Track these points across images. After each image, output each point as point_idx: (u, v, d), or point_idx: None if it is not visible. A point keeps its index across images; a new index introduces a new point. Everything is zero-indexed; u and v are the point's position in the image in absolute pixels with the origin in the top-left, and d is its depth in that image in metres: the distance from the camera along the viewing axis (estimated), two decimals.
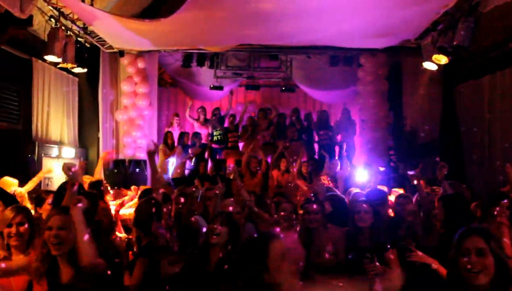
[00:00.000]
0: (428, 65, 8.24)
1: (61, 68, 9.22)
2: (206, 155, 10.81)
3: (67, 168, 3.73)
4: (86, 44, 9.50)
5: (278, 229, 4.36)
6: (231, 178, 5.55)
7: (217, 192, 4.85)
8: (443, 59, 7.84)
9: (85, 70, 9.08)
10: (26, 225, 3.28)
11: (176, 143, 10.56)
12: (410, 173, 5.33)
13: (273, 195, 5.73)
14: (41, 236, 2.99)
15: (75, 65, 8.57)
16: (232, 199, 4.67)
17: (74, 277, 2.92)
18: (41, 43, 8.36)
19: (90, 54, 9.45)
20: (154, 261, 3.84)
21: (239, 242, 3.84)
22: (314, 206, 4.43)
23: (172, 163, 9.60)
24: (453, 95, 10.05)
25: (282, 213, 4.43)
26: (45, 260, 2.95)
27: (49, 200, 4.95)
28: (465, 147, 9.70)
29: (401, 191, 6.52)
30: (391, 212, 5.34)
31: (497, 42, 8.57)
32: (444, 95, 10.16)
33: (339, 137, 10.98)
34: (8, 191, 5.63)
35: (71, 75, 9.98)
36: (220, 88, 11.23)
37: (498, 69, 8.71)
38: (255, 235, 3.97)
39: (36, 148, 8.53)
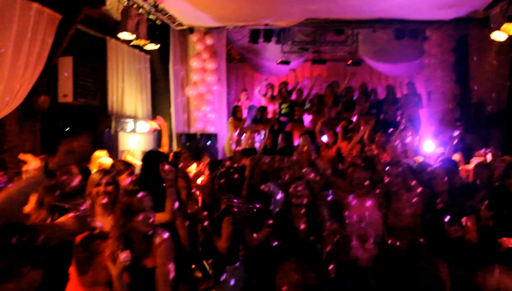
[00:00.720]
0: (497, 36, 7.60)
1: (134, 46, 9.27)
2: (274, 128, 10.63)
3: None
4: (157, 22, 9.46)
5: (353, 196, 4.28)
6: (304, 149, 5.48)
7: (294, 158, 4.90)
8: None
9: (157, 46, 9.03)
10: (113, 186, 3.27)
11: (244, 117, 10.48)
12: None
13: (348, 165, 5.53)
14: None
15: (148, 42, 8.52)
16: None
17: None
18: (114, 22, 8.26)
19: (160, 32, 9.36)
20: (239, 222, 3.84)
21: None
22: (399, 169, 4.40)
23: (243, 135, 9.53)
24: None
25: (356, 181, 4.33)
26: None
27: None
28: None
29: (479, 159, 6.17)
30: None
31: None
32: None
33: (405, 110, 10.47)
34: (97, 162, 5.70)
35: (143, 53, 9.98)
36: (287, 63, 10.92)
37: None
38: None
39: (113, 123, 8.56)
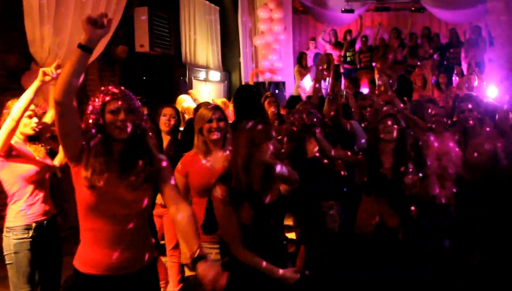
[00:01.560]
0: None
1: None
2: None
3: None
4: None
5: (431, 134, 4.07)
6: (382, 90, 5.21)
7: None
8: None
9: None
10: (224, 122, 3.07)
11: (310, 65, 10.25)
12: None
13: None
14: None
15: None
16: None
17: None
18: None
19: None
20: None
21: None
22: (469, 105, 4.07)
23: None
24: None
25: (433, 118, 4.04)
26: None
27: None
28: None
29: None
30: None
31: None
32: None
33: (469, 54, 9.79)
34: (181, 106, 5.66)
35: (213, 5, 9.93)
36: (351, 11, 10.42)
37: None
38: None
39: (187, 71, 8.57)
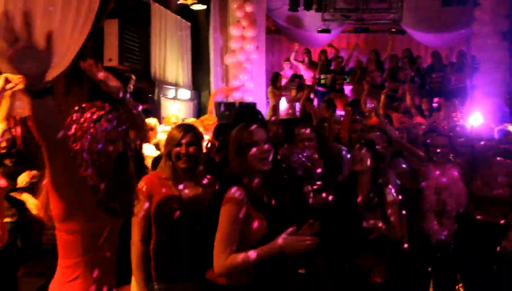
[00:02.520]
0: None
1: (177, 13, 8.82)
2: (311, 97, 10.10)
3: None
4: None
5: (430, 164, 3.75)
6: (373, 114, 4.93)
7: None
8: None
9: (204, 7, 8.53)
10: (196, 147, 2.64)
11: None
12: None
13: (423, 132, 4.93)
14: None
15: (195, 1, 8.05)
16: (377, 133, 3.95)
17: None
18: None
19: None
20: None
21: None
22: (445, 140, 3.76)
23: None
24: None
25: (438, 149, 3.68)
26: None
27: None
28: None
29: None
30: None
31: None
32: None
33: (453, 79, 9.78)
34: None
35: (184, 20, 9.52)
36: (327, 31, 10.27)
37: None
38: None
39: (156, 88, 8.17)
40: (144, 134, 2.34)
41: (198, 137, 2.70)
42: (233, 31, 10.00)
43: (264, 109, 10.32)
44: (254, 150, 2.26)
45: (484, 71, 9.12)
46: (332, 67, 10.40)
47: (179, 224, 2.59)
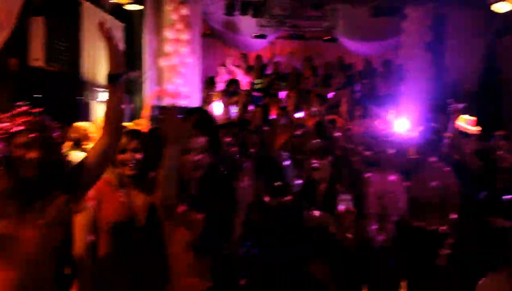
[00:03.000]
0: (498, 7, 7.32)
1: (110, 13, 8.46)
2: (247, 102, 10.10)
3: None
4: None
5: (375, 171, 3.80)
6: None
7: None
8: None
9: (141, 7, 8.25)
10: (142, 153, 2.58)
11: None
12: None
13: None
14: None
15: (131, 1, 7.75)
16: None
17: None
18: None
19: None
20: None
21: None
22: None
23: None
24: (495, 48, 9.19)
25: (381, 155, 3.81)
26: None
27: None
28: (504, 100, 8.97)
29: None
30: None
31: None
32: (487, 48, 9.29)
33: (381, 87, 10.17)
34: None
35: (117, 21, 9.14)
36: (263, 36, 10.34)
37: None
38: None
39: (85, 91, 7.74)
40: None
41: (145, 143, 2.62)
42: (168, 33, 9.77)
43: None
44: (187, 157, 2.35)
45: (410, 80, 9.56)
46: (268, 72, 10.45)
47: (126, 233, 2.49)
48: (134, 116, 9.04)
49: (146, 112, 7.47)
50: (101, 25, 2.20)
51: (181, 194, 2.34)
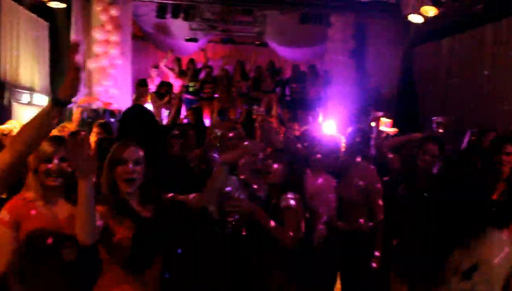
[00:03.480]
0: (414, 18, 7.80)
1: (33, 10, 8.14)
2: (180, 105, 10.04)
3: None
4: None
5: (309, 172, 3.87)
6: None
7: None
8: (431, 11, 7.41)
9: (63, 6, 7.97)
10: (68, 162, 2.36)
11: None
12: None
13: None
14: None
15: None
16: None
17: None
18: None
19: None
20: None
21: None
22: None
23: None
24: (411, 56, 9.70)
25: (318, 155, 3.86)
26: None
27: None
28: (420, 106, 9.44)
29: None
30: None
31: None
32: (404, 56, 9.76)
33: (311, 91, 10.48)
34: None
35: (42, 20, 8.80)
36: (195, 40, 10.37)
37: (458, 32, 8.25)
38: None
39: (6, 93, 7.43)
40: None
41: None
42: (97, 35, 9.53)
43: None
44: (119, 168, 2.25)
45: (335, 85, 9.95)
46: (201, 76, 10.46)
47: (55, 250, 2.32)
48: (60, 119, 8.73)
49: (75, 115, 7.19)
50: (74, 48, 2.03)
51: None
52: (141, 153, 2.33)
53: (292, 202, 3.01)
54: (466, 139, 4.62)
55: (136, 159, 2.28)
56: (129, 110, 3.61)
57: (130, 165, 2.26)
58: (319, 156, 3.94)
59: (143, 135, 2.88)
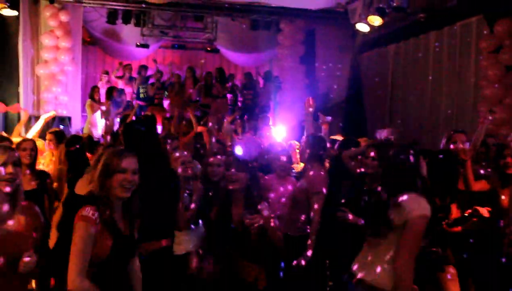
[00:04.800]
0: (361, 27, 8.03)
1: None
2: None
3: None
4: None
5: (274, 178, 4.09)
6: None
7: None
8: (376, 21, 7.64)
9: (15, 13, 7.78)
10: (19, 168, 2.34)
11: (103, 99, 9.63)
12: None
13: None
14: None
15: (6, 6, 7.28)
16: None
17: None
18: None
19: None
20: None
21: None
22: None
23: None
24: (358, 62, 10.03)
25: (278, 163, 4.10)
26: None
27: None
28: (367, 111, 9.77)
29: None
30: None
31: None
32: (352, 62, 10.10)
33: (260, 98, 10.71)
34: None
35: None
36: (146, 46, 10.30)
37: (403, 39, 8.60)
38: None
39: None
40: None
41: (18, 157, 2.41)
42: (46, 40, 9.31)
43: (79, 123, 9.84)
44: (119, 176, 2.32)
45: (285, 90, 10.19)
46: (150, 81, 10.46)
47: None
48: (7, 127, 8.44)
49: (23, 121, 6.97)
50: None
51: None
52: (137, 164, 2.43)
53: (266, 212, 3.26)
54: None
55: (134, 169, 2.39)
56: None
57: (130, 174, 2.35)
58: (280, 161, 4.13)
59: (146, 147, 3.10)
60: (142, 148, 2.99)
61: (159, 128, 9.09)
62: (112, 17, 9.81)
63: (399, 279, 2.41)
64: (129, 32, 10.49)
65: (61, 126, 9.13)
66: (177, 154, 3.66)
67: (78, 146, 4.53)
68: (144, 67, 10.76)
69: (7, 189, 2.28)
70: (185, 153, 3.75)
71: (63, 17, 9.30)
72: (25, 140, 4.21)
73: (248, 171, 3.45)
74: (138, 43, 10.30)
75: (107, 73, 11.01)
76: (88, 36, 11.39)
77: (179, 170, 3.47)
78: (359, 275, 2.58)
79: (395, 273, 2.42)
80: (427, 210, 2.47)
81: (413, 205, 2.45)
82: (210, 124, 8.18)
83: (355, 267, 2.66)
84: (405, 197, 2.47)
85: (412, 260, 2.41)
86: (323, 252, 3.88)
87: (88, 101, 9.42)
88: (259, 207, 3.29)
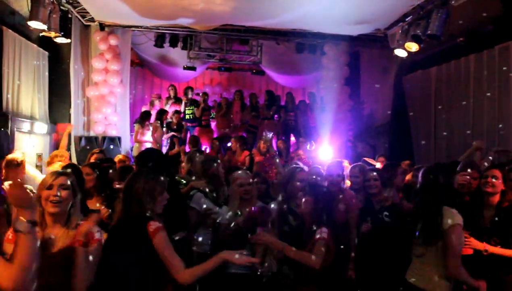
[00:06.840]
0: (399, 52, 7.92)
1: (33, 41, 8.04)
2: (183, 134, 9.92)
3: None
4: (68, 15, 8.20)
5: None
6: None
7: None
8: (414, 47, 7.57)
9: (68, 41, 7.94)
10: (70, 191, 2.46)
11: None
12: None
13: None
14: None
15: (60, 35, 7.43)
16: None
17: None
18: (10, 12, 7.12)
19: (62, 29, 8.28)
20: None
21: None
22: None
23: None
24: (402, 84, 9.74)
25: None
26: None
27: None
28: (412, 132, 9.45)
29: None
30: None
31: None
32: (395, 83, 9.85)
33: (304, 118, 10.44)
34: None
35: (41, 49, 8.68)
36: (193, 68, 10.29)
37: (444, 61, 8.47)
38: None
39: (8, 121, 7.27)
40: None
41: (74, 181, 2.53)
42: (96, 63, 9.44)
43: (128, 143, 9.87)
44: (163, 196, 2.69)
45: (330, 111, 9.91)
46: (198, 103, 10.42)
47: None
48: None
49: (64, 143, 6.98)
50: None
51: None
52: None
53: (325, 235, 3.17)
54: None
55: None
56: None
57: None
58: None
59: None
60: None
61: (207, 149, 9.00)
62: (159, 40, 9.84)
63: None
64: (177, 55, 10.50)
65: (111, 146, 9.24)
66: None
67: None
68: (190, 89, 10.72)
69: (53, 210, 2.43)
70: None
71: (112, 40, 9.41)
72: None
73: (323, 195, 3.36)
74: (185, 66, 10.28)
75: (159, 97, 11.05)
76: (137, 58, 11.53)
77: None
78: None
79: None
80: None
81: None
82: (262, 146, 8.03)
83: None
84: None
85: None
86: None
87: (137, 125, 9.42)
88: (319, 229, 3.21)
